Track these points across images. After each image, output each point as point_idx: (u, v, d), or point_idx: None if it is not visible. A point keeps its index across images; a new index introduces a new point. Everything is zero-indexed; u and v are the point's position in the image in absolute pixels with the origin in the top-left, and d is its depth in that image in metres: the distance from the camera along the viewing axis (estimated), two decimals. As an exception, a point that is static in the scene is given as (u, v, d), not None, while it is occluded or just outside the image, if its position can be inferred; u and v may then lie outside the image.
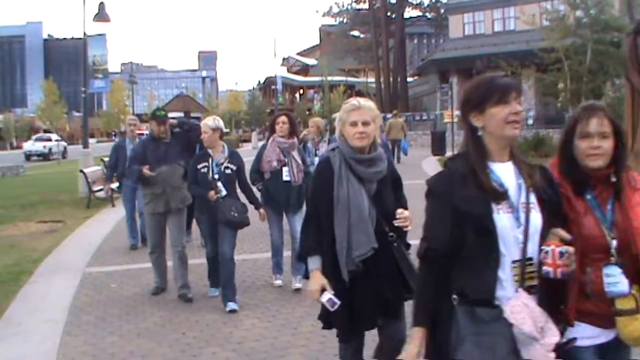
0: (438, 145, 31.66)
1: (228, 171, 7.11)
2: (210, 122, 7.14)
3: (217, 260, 7.18)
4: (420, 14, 62.55)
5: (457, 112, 38.34)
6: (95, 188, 16.16)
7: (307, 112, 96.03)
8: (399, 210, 3.92)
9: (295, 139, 7.91)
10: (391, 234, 3.95)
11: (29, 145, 49.70)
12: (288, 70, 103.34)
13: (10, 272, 9.09)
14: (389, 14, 57.33)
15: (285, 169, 7.67)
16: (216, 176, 7.02)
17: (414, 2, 60.92)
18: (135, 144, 9.57)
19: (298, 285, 7.61)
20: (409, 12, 61.69)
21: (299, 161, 7.83)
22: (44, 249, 10.75)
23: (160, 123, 7.69)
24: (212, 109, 75.50)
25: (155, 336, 6.30)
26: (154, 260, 7.89)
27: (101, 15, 19.64)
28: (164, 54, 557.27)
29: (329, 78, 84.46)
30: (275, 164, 7.65)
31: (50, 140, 50.44)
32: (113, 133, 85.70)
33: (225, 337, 6.20)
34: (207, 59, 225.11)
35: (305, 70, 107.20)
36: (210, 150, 7.15)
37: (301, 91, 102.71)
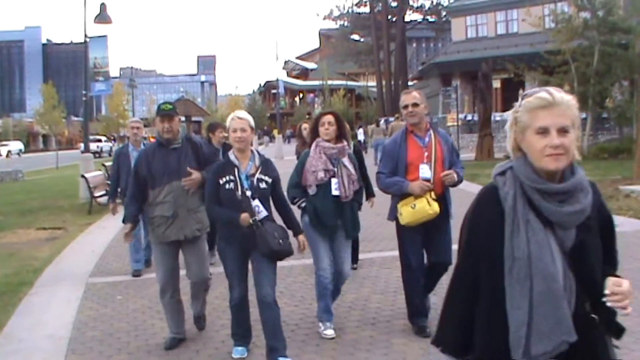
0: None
1: (262, 185, 5.40)
2: (242, 114, 5.49)
3: (245, 307, 5.64)
4: (421, 17, 62.34)
5: (461, 116, 38.04)
6: (97, 193, 15.78)
7: (307, 116, 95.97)
8: (611, 280, 2.43)
9: (345, 143, 6.25)
10: (595, 316, 2.46)
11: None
12: (288, 74, 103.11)
13: (10, 283, 8.67)
14: (389, 17, 57.07)
15: (334, 181, 6.07)
16: (248, 192, 5.32)
17: (415, 6, 60.80)
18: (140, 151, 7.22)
19: (330, 332, 6.12)
20: (410, 16, 61.54)
21: (351, 170, 6.17)
22: (45, 258, 10.33)
23: (165, 119, 5.88)
24: (212, 113, 75.01)
25: (166, 354, 5.86)
26: (166, 305, 6.06)
27: (102, 17, 19.24)
28: (162, 58, 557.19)
29: (329, 82, 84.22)
30: (322, 174, 6.04)
31: (100, 141, 65.36)
32: (112, 138, 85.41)
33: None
34: (206, 63, 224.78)
35: (304, 74, 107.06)
36: (234, 158, 5.43)
37: (301, 95, 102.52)
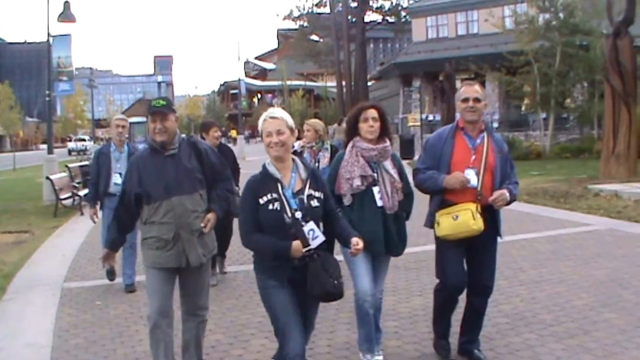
0: (407, 149, 31.42)
1: (314, 203, 4.21)
2: (276, 112, 4.29)
3: None
4: (381, 18, 62.51)
5: (424, 116, 38.27)
6: (63, 195, 15.44)
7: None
8: None
9: (388, 143, 5.19)
10: None
11: (72, 145, 71.12)
12: (246, 75, 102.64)
13: (-20, 289, 8.35)
14: (349, 17, 57.08)
15: (375, 190, 5.06)
16: (298, 214, 4.12)
17: (375, 6, 60.90)
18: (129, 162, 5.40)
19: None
20: (369, 17, 61.64)
21: (395, 176, 5.15)
22: (14, 263, 10.00)
23: (158, 117, 4.77)
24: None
25: (156, 362, 5.66)
26: (155, 337, 4.89)
27: (66, 15, 18.80)
28: (118, 58, 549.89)
29: (288, 82, 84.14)
30: (358, 182, 5.03)
31: (85, 140, 69.85)
32: (68, 139, 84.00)
33: (235, 360, 5.61)
34: (163, 63, 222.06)
35: (263, 74, 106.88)
36: (274, 169, 4.21)
37: (259, 95, 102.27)
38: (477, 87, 5.11)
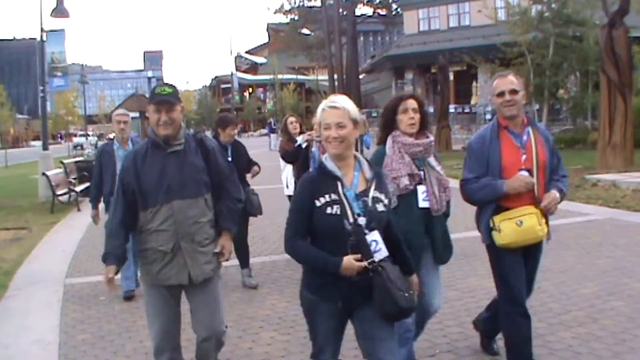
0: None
1: (380, 208, 3.53)
2: (338, 100, 3.59)
3: None
4: (372, 11, 62.47)
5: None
6: (59, 192, 15.38)
7: (258, 111, 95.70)
8: None
9: (432, 137, 4.68)
10: None
11: (77, 140, 68.94)
12: (237, 69, 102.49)
13: (-18, 287, 8.29)
14: (340, 10, 57.01)
15: (420, 189, 4.51)
16: (361, 220, 3.45)
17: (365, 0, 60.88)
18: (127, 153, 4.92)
19: None
20: (360, 10, 61.62)
21: (441, 172, 4.66)
22: (14, 259, 9.94)
23: (163, 107, 4.14)
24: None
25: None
26: None
27: (59, 10, 18.65)
28: (108, 54, 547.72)
29: (279, 76, 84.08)
30: (406, 181, 4.45)
31: (89, 136, 67.88)
32: (59, 135, 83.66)
33: (246, 354, 5.57)
34: (153, 59, 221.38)
35: (254, 68, 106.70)
36: (333, 166, 3.55)
37: (250, 90, 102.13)
38: (511, 77, 4.58)
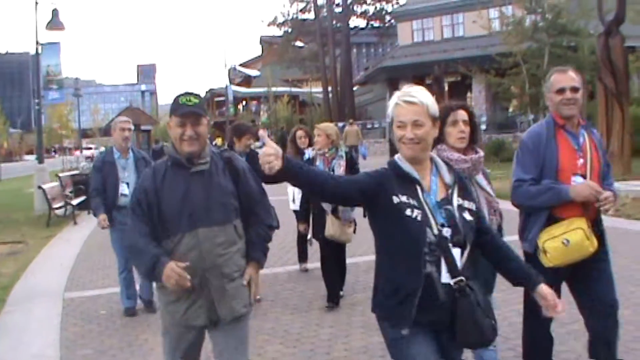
0: (395, 153, 31.48)
1: (467, 217, 3.03)
2: (414, 94, 3.03)
3: None
4: (365, 22, 62.71)
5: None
6: (55, 205, 15.26)
7: (252, 123, 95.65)
8: None
9: (481, 153, 4.17)
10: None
11: (86, 152, 71.06)
12: (231, 82, 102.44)
13: (-20, 302, 8.18)
14: (334, 23, 57.20)
15: None
16: (446, 231, 2.95)
17: (359, 11, 61.09)
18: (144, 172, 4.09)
19: None
20: (354, 22, 61.83)
21: (491, 192, 4.22)
22: (12, 274, 9.84)
23: (189, 120, 3.60)
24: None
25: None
26: None
27: (55, 23, 18.61)
28: (101, 67, 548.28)
29: (273, 89, 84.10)
30: None
31: (94, 148, 72.58)
32: (52, 149, 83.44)
33: (252, 368, 5.49)
34: (146, 72, 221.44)
35: (247, 81, 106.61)
36: (410, 168, 3.03)
37: (244, 102, 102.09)
38: (571, 73, 4.18)
